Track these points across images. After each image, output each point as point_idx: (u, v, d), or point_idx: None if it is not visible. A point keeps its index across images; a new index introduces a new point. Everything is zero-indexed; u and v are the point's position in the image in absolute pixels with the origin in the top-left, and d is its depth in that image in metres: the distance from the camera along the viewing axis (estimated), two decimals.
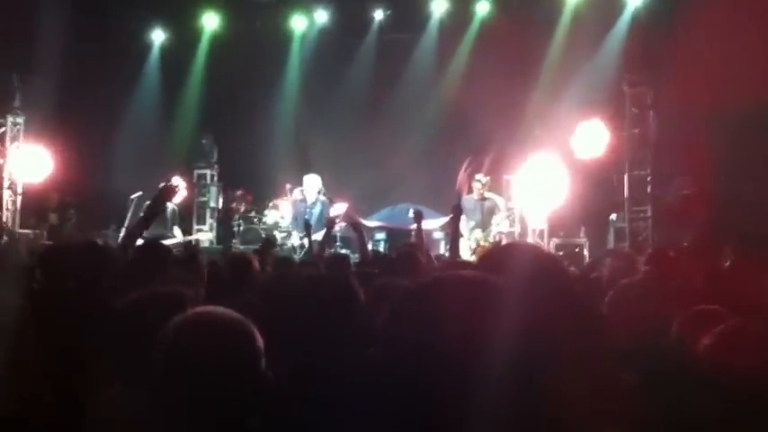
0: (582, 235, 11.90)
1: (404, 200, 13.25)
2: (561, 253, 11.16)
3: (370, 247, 9.32)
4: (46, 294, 4.24)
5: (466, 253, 10.68)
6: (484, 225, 11.18)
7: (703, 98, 9.98)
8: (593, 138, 12.04)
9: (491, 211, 11.32)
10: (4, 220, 12.28)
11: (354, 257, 8.20)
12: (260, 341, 1.97)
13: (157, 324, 2.28)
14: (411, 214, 7.23)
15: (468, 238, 11.02)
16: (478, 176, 11.43)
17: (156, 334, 2.07)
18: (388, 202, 13.36)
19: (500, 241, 10.68)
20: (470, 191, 11.67)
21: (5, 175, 12.50)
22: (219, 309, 2.02)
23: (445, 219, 12.17)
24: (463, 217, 11.19)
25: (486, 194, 11.38)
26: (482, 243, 10.90)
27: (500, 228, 11.33)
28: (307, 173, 12.27)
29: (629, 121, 12.02)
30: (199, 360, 1.90)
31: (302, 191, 12.15)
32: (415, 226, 7.20)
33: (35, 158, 12.57)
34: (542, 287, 2.08)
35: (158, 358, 1.93)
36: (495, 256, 2.31)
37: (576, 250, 11.53)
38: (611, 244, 11.89)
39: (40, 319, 3.83)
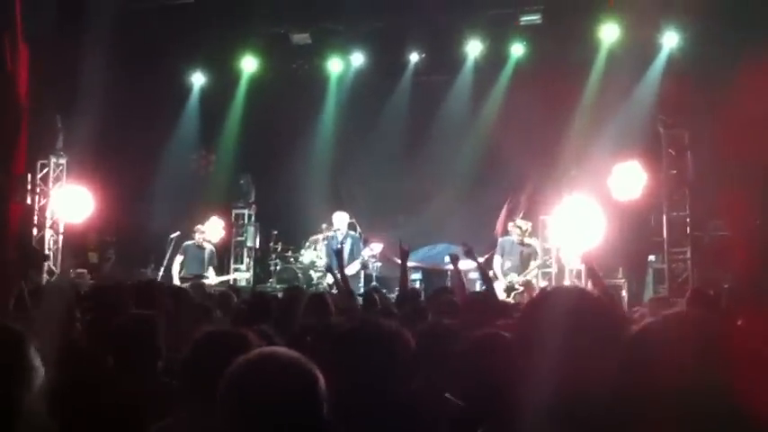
0: (620, 276, 11.80)
1: (440, 240, 13.27)
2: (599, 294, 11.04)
3: None
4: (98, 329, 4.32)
5: (500, 294, 10.70)
6: (521, 269, 11.17)
7: (740, 140, 9.93)
8: (630, 179, 12.00)
9: (529, 257, 11.31)
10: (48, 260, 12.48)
11: (392, 296, 8.26)
12: (323, 384, 1.98)
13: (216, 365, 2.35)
14: (447, 259, 7.29)
15: (504, 279, 11.01)
16: (519, 222, 11.45)
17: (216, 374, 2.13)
18: (425, 243, 13.37)
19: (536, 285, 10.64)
20: (508, 232, 11.70)
21: (48, 214, 12.71)
22: (284, 350, 2.04)
23: (480, 259, 12.16)
24: (498, 257, 11.26)
25: (527, 240, 11.36)
26: (516, 287, 10.90)
27: (535, 273, 11.30)
28: (337, 211, 12.38)
29: (667, 163, 11.97)
30: (263, 400, 1.92)
31: (333, 229, 12.24)
32: (451, 267, 7.26)
33: (77, 198, 12.80)
34: (590, 333, 2.08)
35: (224, 398, 1.95)
36: (542, 302, 2.30)
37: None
38: (650, 285, 11.79)
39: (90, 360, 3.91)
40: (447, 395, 3.05)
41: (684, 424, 1.38)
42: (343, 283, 7.18)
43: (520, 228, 11.34)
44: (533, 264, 11.26)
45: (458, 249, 12.71)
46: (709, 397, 1.36)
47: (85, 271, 12.23)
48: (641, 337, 1.49)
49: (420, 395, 2.98)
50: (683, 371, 1.38)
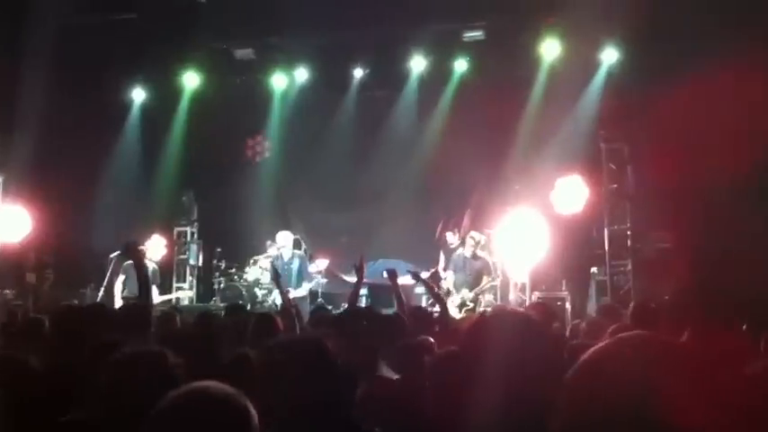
0: (564, 288, 11.94)
1: (384, 255, 13.27)
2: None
3: None
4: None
5: (453, 310, 10.78)
6: (472, 285, 11.24)
7: (678, 154, 10.15)
8: (572, 193, 12.17)
9: (481, 272, 11.37)
10: None
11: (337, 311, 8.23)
12: (255, 418, 1.90)
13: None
14: (385, 275, 7.28)
15: (456, 294, 11.10)
16: (473, 234, 11.54)
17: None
18: (369, 257, 13.34)
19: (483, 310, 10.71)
20: (446, 243, 11.80)
21: None
22: (216, 384, 1.94)
23: (426, 273, 12.21)
24: (450, 272, 11.35)
25: (479, 253, 11.45)
26: (468, 303, 10.99)
27: (489, 287, 11.37)
28: (286, 229, 12.28)
29: (607, 177, 12.18)
30: None
31: (278, 248, 12.14)
32: (400, 281, 7.27)
33: (13, 218, 12.46)
34: (530, 361, 2.09)
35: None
36: (481, 330, 2.32)
37: (558, 303, 11.53)
38: (593, 297, 11.95)
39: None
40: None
41: None
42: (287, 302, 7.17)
43: (473, 239, 11.42)
44: (486, 279, 11.33)
45: (402, 265, 12.83)
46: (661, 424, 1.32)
47: (17, 291, 11.91)
48: (591, 363, 1.44)
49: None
50: (633, 396, 1.34)
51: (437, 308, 7.31)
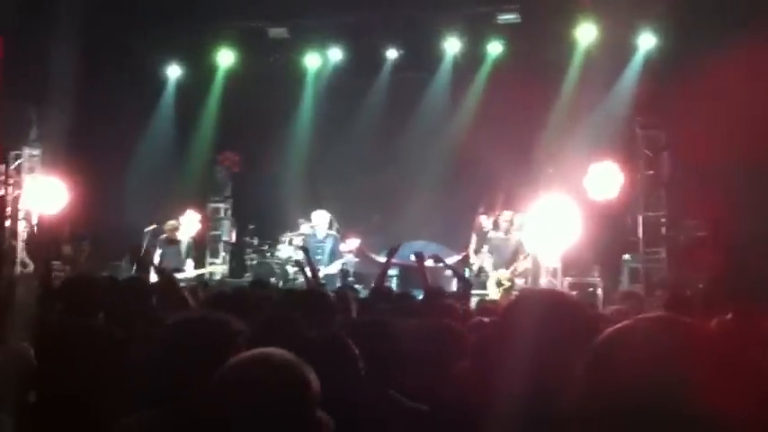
0: (595, 275, 11.89)
1: (415, 236, 13.28)
2: (575, 292, 11.18)
3: None
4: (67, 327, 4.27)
5: (491, 289, 10.93)
6: (508, 264, 11.35)
7: (716, 141, 10.03)
8: (606, 179, 12.08)
9: (516, 251, 11.45)
10: (18, 251, 12.31)
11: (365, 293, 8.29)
12: (317, 385, 1.96)
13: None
14: (412, 257, 7.35)
15: (493, 275, 11.32)
16: (505, 213, 11.61)
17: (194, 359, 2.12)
18: (401, 239, 13.37)
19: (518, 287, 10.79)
20: (482, 227, 11.83)
21: (21, 206, 12.55)
22: (278, 350, 2.00)
23: (457, 257, 12.25)
24: (487, 254, 11.44)
25: (513, 233, 11.56)
26: (504, 282, 11.08)
27: (524, 265, 11.46)
28: (317, 208, 12.34)
29: (643, 163, 12.07)
30: (253, 405, 1.89)
31: (312, 226, 12.22)
32: (428, 263, 7.33)
33: (50, 190, 12.63)
34: (565, 336, 2.10)
35: (216, 397, 1.92)
36: (515, 309, 2.32)
37: (590, 290, 11.51)
38: (624, 284, 11.89)
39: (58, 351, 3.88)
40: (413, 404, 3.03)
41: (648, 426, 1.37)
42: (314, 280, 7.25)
43: (506, 219, 11.54)
44: (521, 257, 11.43)
45: (431, 246, 12.88)
46: (676, 402, 1.34)
47: (59, 263, 12.08)
48: (610, 339, 1.47)
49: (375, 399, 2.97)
50: (650, 374, 1.36)
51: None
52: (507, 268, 11.37)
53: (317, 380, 1.97)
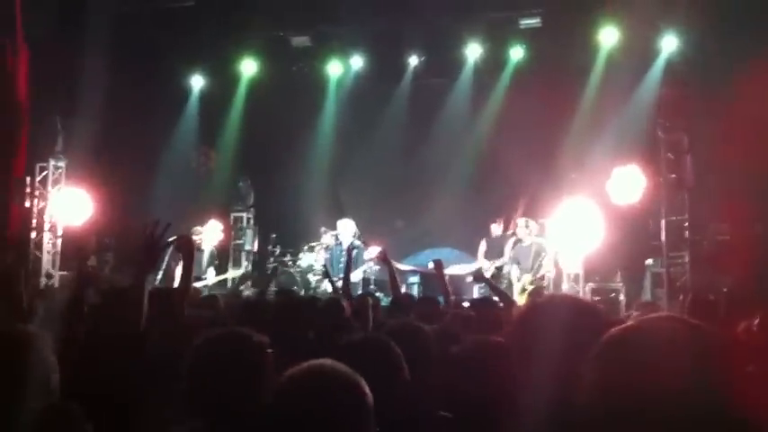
0: (618, 280, 11.80)
1: (439, 244, 13.29)
2: (598, 298, 11.13)
3: (403, 289, 9.33)
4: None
5: (518, 298, 10.93)
6: (533, 269, 11.34)
7: (739, 144, 9.93)
8: (629, 183, 12.00)
9: (538, 255, 11.47)
10: (44, 262, 12.48)
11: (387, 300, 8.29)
12: (371, 398, 1.97)
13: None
14: (431, 265, 7.36)
15: (518, 284, 11.37)
16: (529, 222, 11.59)
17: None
18: (423, 246, 13.39)
19: (540, 291, 10.75)
20: (514, 234, 11.83)
21: (46, 217, 12.71)
22: (332, 363, 2.02)
23: (477, 263, 12.24)
24: (515, 266, 11.44)
25: (534, 238, 11.54)
26: (527, 287, 11.06)
27: (546, 269, 11.45)
28: (341, 217, 12.40)
29: (666, 167, 11.96)
30: (312, 416, 1.90)
31: (336, 235, 12.25)
32: (449, 270, 7.33)
33: (76, 201, 12.79)
34: (583, 341, 2.09)
35: (271, 412, 1.96)
36: (534, 315, 2.32)
37: (612, 295, 11.43)
38: (647, 289, 11.79)
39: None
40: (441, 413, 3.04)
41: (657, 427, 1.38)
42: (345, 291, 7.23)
43: (525, 225, 11.51)
44: (545, 261, 11.40)
45: (453, 253, 12.87)
46: (680, 403, 1.36)
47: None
48: (614, 339, 1.49)
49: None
50: (653, 374, 1.38)
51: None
52: (531, 273, 11.36)
53: (370, 392, 1.99)
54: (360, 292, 10.84)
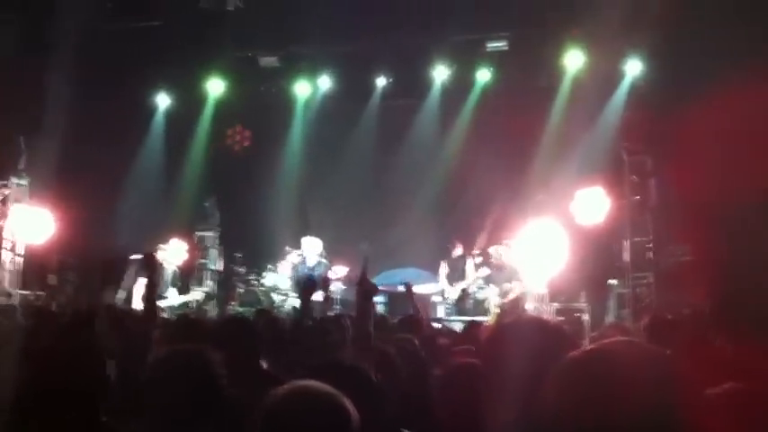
0: (582, 300, 11.87)
1: (404, 264, 13.29)
2: (562, 318, 11.18)
3: None
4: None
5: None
6: (503, 293, 11.41)
7: (702, 167, 10.07)
8: (593, 204, 12.10)
9: (509, 279, 11.51)
10: (5, 281, 12.25)
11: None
12: (356, 418, 1.99)
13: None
14: (401, 287, 7.38)
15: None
16: (499, 249, 11.66)
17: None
18: (389, 266, 13.37)
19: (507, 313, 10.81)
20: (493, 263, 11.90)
21: (7, 235, 12.49)
22: (318, 384, 2.04)
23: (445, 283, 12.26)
24: (493, 286, 11.50)
25: (504, 262, 11.64)
26: (495, 309, 11.13)
27: (518, 291, 11.51)
28: (306, 236, 12.33)
29: (630, 189, 12.10)
30: None
31: (301, 253, 12.21)
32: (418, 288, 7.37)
33: (37, 220, 12.59)
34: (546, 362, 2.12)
35: (258, 427, 1.96)
36: (501, 337, 2.36)
37: (577, 315, 11.48)
38: (612, 310, 11.87)
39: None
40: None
41: None
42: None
43: (499, 251, 11.60)
44: (516, 285, 11.46)
45: (416, 272, 12.90)
46: (637, 423, 1.43)
47: (44, 293, 12.04)
48: (572, 363, 1.56)
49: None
50: (611, 397, 1.45)
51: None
52: (501, 297, 11.43)
53: (356, 412, 2.00)
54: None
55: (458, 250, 12.23)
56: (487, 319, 10.58)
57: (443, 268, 12.05)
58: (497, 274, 11.65)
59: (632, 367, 1.48)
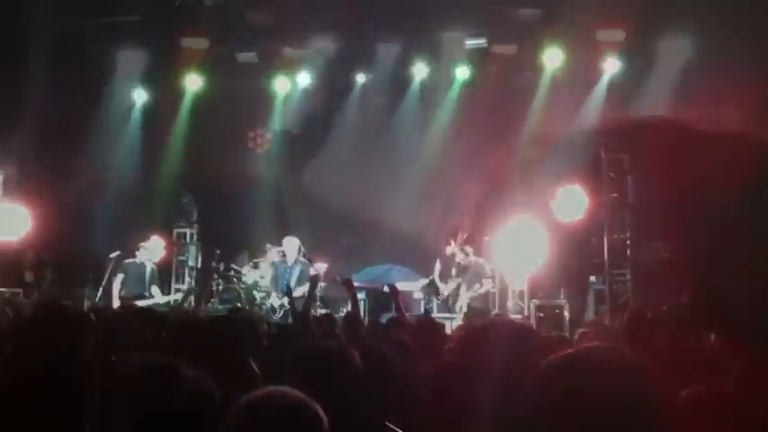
0: (562, 297, 11.93)
1: (383, 260, 13.30)
2: (542, 314, 11.23)
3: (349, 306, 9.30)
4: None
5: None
6: (470, 289, 11.34)
7: (679, 164, 10.16)
8: (572, 201, 12.16)
9: (477, 274, 11.43)
10: None
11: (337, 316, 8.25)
12: (326, 424, 1.99)
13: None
14: (386, 289, 7.36)
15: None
16: (464, 248, 11.58)
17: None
18: (369, 263, 13.37)
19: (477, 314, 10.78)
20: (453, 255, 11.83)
21: None
22: (287, 390, 2.04)
23: (424, 280, 12.25)
24: (459, 279, 11.46)
25: (472, 259, 11.54)
26: (463, 308, 11.07)
27: (486, 287, 11.41)
28: (287, 233, 12.31)
29: (607, 186, 12.17)
30: None
31: (281, 252, 12.16)
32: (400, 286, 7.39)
33: (13, 216, 12.43)
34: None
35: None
36: (475, 339, 2.40)
37: (557, 311, 11.53)
38: (591, 306, 11.95)
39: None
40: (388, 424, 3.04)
41: None
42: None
43: (464, 251, 11.51)
44: (485, 281, 11.40)
45: (396, 270, 12.88)
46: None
47: (21, 291, 11.89)
48: (550, 367, 1.60)
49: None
50: (587, 401, 1.50)
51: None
52: (468, 293, 11.35)
53: (325, 418, 2.00)
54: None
55: (451, 247, 12.19)
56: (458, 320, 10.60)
57: (438, 266, 12.01)
58: (464, 274, 11.56)
59: (609, 374, 1.54)
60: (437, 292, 11.81)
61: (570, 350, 1.65)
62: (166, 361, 2.66)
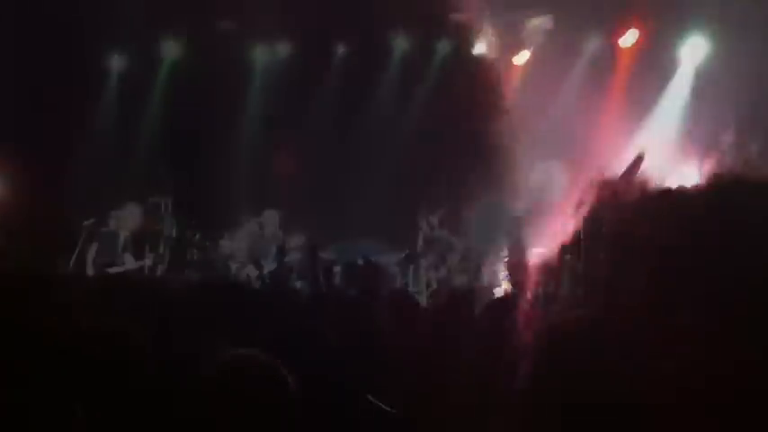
0: (537, 274, 11.91)
1: (363, 235, 13.26)
2: (517, 290, 11.24)
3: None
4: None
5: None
6: (439, 262, 11.37)
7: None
8: (551, 178, 12.16)
9: (446, 251, 11.46)
10: None
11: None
12: (294, 387, 2.18)
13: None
14: (361, 262, 7.44)
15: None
16: (430, 219, 11.58)
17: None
18: (344, 236, 13.34)
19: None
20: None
21: None
22: (258, 354, 2.22)
23: (400, 254, 12.25)
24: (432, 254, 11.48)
25: (441, 235, 11.56)
26: (433, 283, 11.11)
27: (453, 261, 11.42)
28: (265, 205, 12.25)
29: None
30: (237, 402, 2.11)
31: (259, 223, 12.13)
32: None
33: None
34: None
35: (202, 397, 2.15)
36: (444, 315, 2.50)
37: (533, 288, 11.52)
38: (565, 283, 11.95)
39: None
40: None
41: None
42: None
43: (429, 225, 11.54)
44: (453, 257, 11.41)
45: (375, 247, 12.89)
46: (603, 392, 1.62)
47: None
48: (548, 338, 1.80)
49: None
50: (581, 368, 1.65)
51: None
52: (438, 267, 11.41)
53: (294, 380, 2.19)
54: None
55: (423, 223, 12.21)
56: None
57: (419, 240, 12.00)
58: (428, 247, 11.58)
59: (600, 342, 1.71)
60: (415, 267, 11.88)
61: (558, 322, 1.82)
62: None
